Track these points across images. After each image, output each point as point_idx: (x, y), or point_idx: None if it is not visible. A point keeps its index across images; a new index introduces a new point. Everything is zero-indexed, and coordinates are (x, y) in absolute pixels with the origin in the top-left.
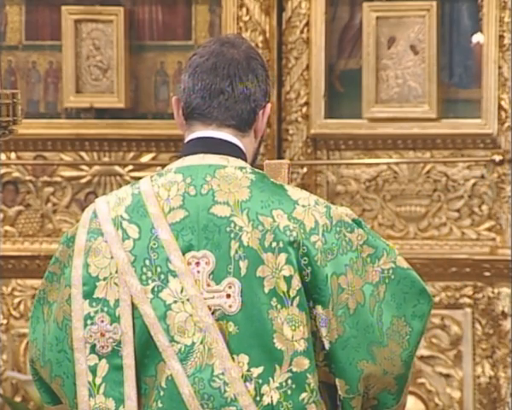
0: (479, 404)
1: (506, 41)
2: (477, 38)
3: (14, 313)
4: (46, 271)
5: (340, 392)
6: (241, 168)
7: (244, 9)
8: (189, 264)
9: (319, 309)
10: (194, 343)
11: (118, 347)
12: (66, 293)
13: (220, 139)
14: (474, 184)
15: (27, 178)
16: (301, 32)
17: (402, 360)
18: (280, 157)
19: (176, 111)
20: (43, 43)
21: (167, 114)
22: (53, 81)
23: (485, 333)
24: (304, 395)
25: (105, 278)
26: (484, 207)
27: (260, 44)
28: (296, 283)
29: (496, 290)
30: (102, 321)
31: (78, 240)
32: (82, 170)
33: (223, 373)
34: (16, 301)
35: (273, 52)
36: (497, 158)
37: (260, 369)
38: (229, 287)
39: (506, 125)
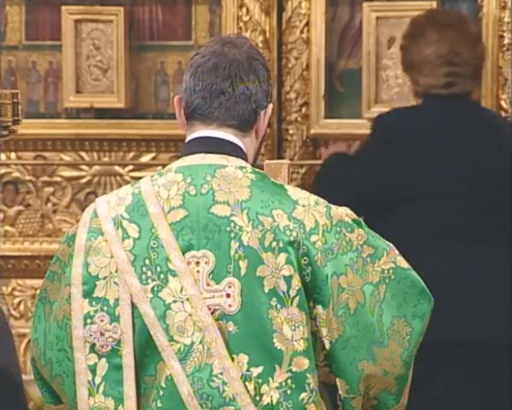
0: None
1: (506, 41)
2: None
3: (14, 313)
4: (47, 270)
5: (340, 392)
6: (241, 168)
7: (244, 9)
8: (188, 263)
9: (319, 309)
10: (193, 343)
11: (117, 346)
12: (67, 292)
13: (221, 139)
14: None
15: (27, 178)
16: (301, 32)
17: (402, 361)
18: (280, 157)
19: (178, 110)
20: (43, 43)
21: (167, 114)
22: (53, 81)
23: None
24: (303, 394)
25: (105, 277)
26: None
27: (260, 44)
28: (296, 283)
29: None
30: (102, 320)
31: (79, 239)
32: (82, 170)
33: (221, 373)
34: (16, 301)
35: (273, 52)
36: None
37: (260, 369)
38: (229, 287)
39: None
